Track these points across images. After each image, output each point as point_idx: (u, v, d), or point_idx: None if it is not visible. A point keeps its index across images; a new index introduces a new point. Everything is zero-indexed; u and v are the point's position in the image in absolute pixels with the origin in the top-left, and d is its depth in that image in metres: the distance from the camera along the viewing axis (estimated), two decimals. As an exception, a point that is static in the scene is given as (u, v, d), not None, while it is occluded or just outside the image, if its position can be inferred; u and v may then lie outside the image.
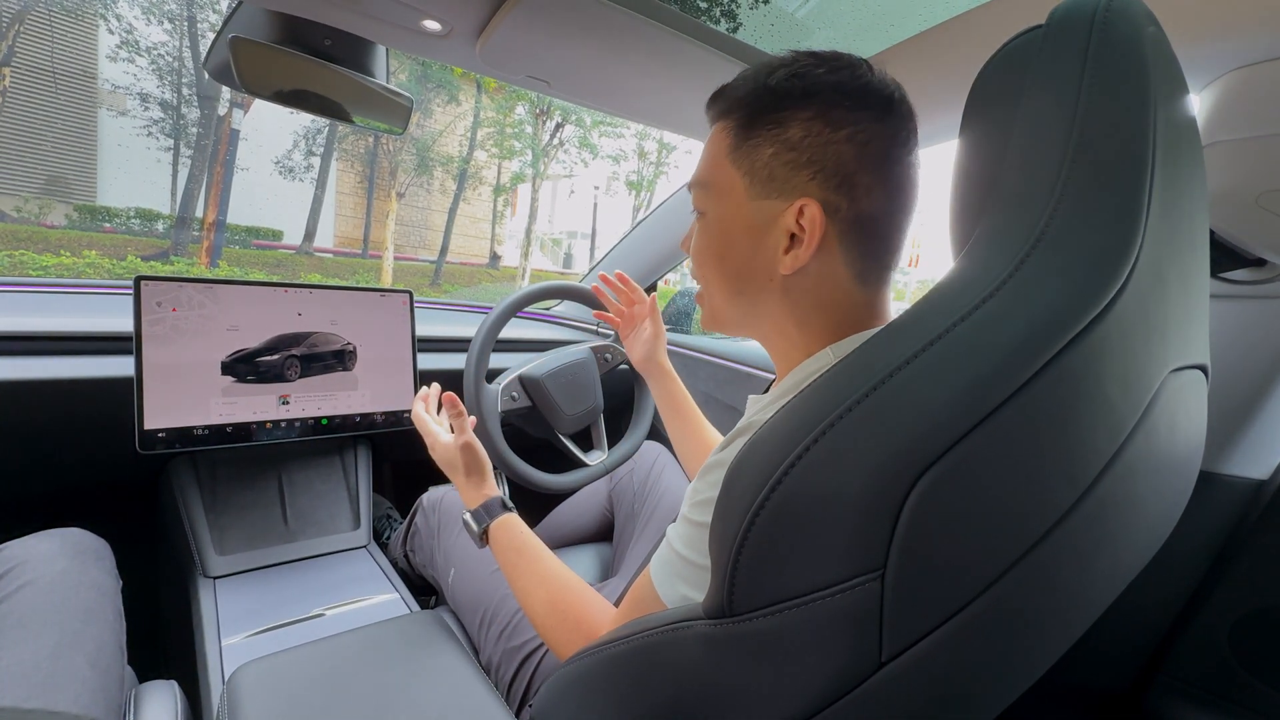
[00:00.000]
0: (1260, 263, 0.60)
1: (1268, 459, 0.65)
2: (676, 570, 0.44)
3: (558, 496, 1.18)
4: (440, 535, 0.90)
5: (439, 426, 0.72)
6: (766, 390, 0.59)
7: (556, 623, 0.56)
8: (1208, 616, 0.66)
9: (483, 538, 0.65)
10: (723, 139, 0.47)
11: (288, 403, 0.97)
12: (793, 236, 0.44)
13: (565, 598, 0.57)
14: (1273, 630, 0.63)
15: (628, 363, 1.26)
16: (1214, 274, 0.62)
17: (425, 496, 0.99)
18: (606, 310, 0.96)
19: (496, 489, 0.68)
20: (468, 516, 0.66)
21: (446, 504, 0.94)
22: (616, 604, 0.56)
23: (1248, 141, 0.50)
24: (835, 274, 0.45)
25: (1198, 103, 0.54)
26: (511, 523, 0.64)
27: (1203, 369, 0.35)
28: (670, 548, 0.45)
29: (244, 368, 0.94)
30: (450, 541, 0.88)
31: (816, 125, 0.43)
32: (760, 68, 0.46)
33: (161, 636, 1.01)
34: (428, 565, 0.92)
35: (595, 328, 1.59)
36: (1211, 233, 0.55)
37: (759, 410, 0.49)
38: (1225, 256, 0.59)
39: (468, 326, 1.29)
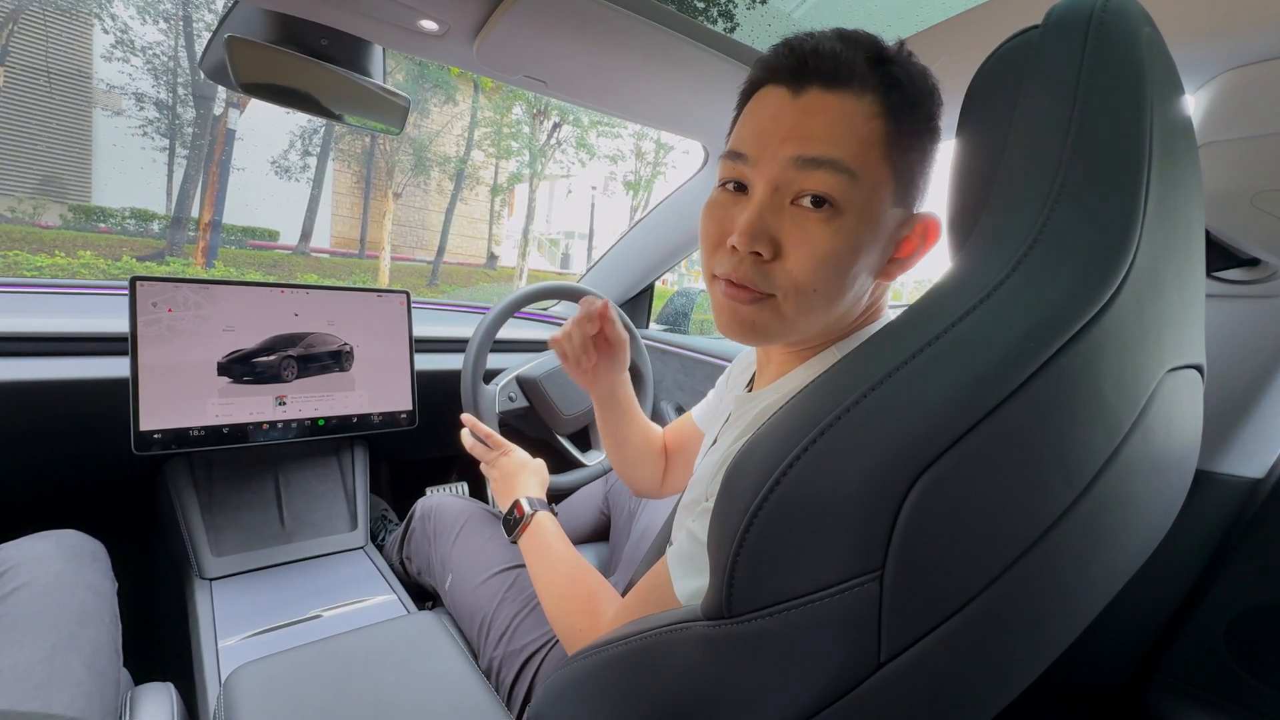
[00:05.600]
0: (1254, 262, 0.60)
1: (1263, 458, 0.65)
2: (698, 563, 0.42)
3: (556, 497, 1.17)
4: (436, 541, 0.90)
5: (507, 441, 0.83)
6: (750, 387, 0.59)
7: (571, 603, 0.59)
8: (1204, 614, 0.66)
9: (522, 526, 0.71)
10: (871, 123, 0.40)
11: (284, 403, 0.97)
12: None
13: (582, 581, 0.61)
14: (1268, 628, 0.63)
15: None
16: (1209, 273, 0.62)
17: (421, 502, 0.99)
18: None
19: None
20: (524, 501, 0.73)
21: (442, 509, 0.93)
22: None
23: (1242, 142, 0.51)
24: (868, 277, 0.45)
25: (1193, 103, 0.54)
26: (550, 517, 0.72)
27: (1198, 368, 0.35)
28: (694, 540, 0.44)
29: (240, 368, 0.93)
30: (447, 547, 0.87)
31: (938, 136, 0.43)
32: (869, 46, 0.40)
33: (158, 638, 1.01)
34: (424, 571, 0.92)
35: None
36: (1206, 232, 0.55)
37: (757, 412, 0.49)
38: (1220, 256, 0.60)
39: (465, 327, 1.28)
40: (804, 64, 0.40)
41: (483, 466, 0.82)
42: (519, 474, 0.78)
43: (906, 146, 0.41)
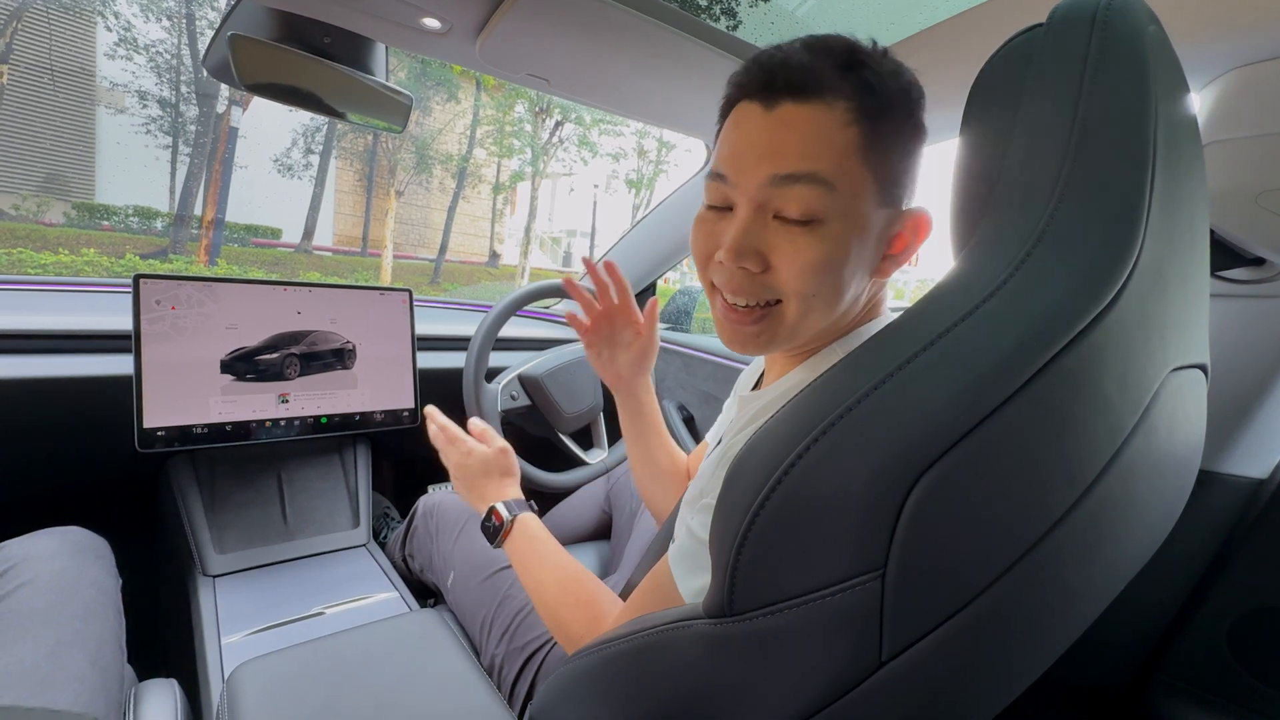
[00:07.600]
0: (1259, 262, 0.60)
1: (1266, 458, 0.65)
2: (700, 561, 0.42)
3: (557, 495, 1.18)
4: (439, 538, 0.90)
5: (470, 439, 0.73)
6: (757, 385, 0.59)
7: (569, 609, 0.57)
8: (1206, 615, 0.66)
9: (504, 533, 0.66)
10: (846, 131, 0.40)
11: (287, 401, 0.97)
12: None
13: (577, 583, 0.58)
14: (1271, 629, 0.63)
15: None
16: (1213, 273, 0.62)
17: (423, 500, 0.99)
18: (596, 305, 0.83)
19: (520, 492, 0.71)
20: (500, 506, 0.67)
21: (444, 507, 0.94)
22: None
23: (1247, 140, 0.50)
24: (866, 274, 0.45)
25: (1198, 101, 0.54)
26: (533, 517, 0.67)
27: (1202, 368, 0.35)
28: (694, 537, 0.44)
29: (243, 366, 0.93)
30: (449, 545, 0.87)
31: (920, 131, 0.43)
32: (839, 52, 0.41)
33: (161, 635, 1.01)
34: (426, 569, 0.92)
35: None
36: (1211, 232, 0.55)
37: (757, 409, 0.49)
38: (1225, 255, 0.59)
39: (467, 325, 1.29)
40: (773, 78, 0.41)
41: (441, 456, 0.75)
42: (483, 481, 0.70)
43: (885, 148, 0.41)
